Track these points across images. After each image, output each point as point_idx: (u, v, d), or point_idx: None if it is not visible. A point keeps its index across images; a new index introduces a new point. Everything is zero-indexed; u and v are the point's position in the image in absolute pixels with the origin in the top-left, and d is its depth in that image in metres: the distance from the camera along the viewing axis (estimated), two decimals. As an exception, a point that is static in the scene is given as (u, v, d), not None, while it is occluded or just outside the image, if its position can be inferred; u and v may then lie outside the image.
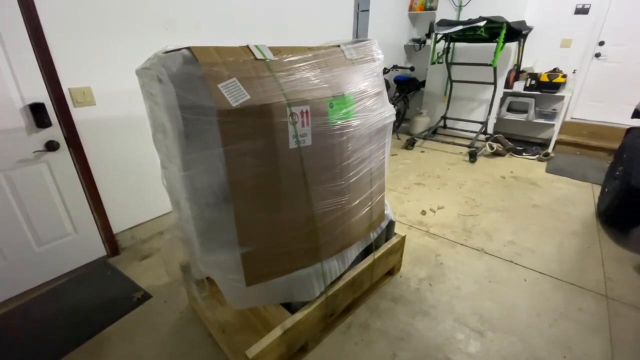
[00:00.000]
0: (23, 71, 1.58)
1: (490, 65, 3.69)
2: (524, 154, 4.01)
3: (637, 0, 3.65)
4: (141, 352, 1.48)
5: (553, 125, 4.08)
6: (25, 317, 1.66)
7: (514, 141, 4.30)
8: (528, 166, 3.69)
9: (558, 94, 3.92)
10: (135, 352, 1.47)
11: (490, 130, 4.37)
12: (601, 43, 3.95)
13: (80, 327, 1.59)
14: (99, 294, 1.80)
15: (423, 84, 4.90)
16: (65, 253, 1.93)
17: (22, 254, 1.76)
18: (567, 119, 4.35)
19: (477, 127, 4.30)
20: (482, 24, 3.41)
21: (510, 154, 4.03)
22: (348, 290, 1.54)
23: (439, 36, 3.98)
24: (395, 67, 4.67)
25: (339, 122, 1.19)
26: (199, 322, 1.63)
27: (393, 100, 4.50)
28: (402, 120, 5.01)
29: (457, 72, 4.38)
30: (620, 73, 3.94)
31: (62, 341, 1.52)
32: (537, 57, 4.25)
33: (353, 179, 1.33)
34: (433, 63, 4.24)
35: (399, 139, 4.68)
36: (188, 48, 0.93)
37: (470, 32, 3.60)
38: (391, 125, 1.51)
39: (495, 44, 3.60)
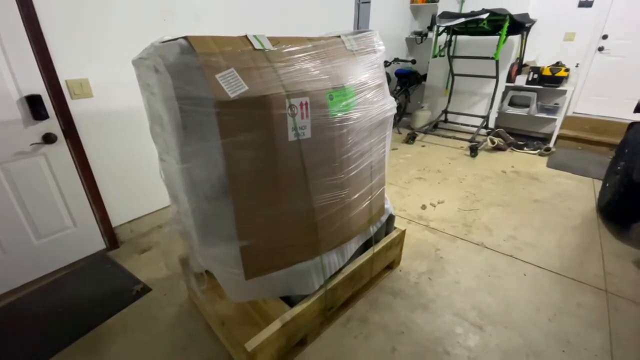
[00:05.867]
0: (19, 62, 1.56)
1: (492, 58, 3.66)
2: (525, 148, 3.99)
3: (642, -7, 3.61)
4: (141, 344, 1.48)
5: (555, 119, 4.05)
6: (25, 310, 1.66)
7: (516, 136, 4.27)
8: (529, 161, 3.67)
9: (560, 88, 3.88)
10: (135, 345, 1.48)
11: (491, 124, 4.33)
12: (605, 37, 3.90)
13: (80, 320, 1.60)
14: (98, 287, 1.80)
15: (424, 77, 4.86)
16: (64, 246, 1.92)
17: (21, 247, 1.75)
18: (569, 113, 4.31)
19: (478, 122, 4.28)
20: (484, 16, 3.37)
21: (512, 149, 4.01)
22: (347, 284, 1.53)
23: (440, 29, 3.94)
24: (396, 60, 4.62)
25: (339, 114, 1.17)
26: (198, 315, 1.63)
27: (394, 94, 4.46)
28: (403, 114, 4.97)
29: (459, 66, 4.34)
30: (623, 67, 3.90)
31: (61, 334, 1.52)
32: (540, 50, 4.21)
33: (353, 173, 1.32)
34: (435, 56, 4.20)
35: (399, 133, 4.66)
36: (185, 38, 0.91)
37: (473, 25, 3.56)
38: (392, 119, 1.49)
39: (497, 37, 3.56)
